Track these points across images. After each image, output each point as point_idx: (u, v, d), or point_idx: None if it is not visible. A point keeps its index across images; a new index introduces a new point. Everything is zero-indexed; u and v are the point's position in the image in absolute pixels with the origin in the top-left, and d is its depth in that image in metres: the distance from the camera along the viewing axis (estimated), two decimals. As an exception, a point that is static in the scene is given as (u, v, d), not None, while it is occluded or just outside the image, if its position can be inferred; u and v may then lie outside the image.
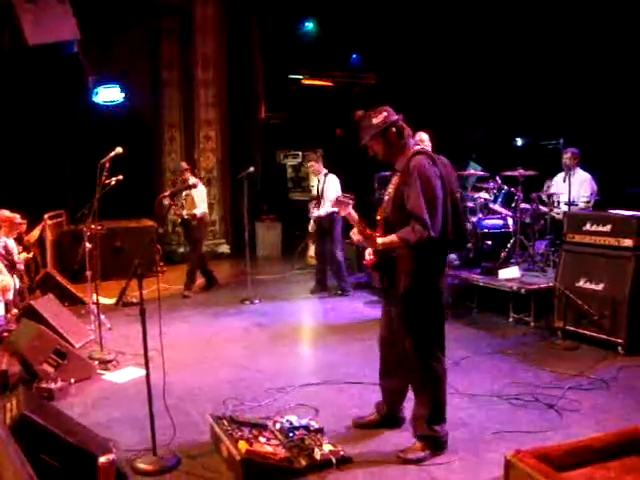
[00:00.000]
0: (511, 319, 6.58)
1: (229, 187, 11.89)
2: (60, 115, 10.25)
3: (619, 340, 5.43)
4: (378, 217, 3.72)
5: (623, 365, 5.09)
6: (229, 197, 11.98)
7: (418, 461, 3.53)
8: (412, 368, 3.65)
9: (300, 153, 12.91)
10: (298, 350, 5.99)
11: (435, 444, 3.62)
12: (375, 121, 3.61)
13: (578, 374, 4.89)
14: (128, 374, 5.28)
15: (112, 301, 7.88)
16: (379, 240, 3.55)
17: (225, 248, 11.96)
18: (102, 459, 3.30)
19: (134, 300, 7.61)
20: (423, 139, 6.44)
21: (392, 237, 3.50)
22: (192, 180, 8.49)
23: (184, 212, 8.37)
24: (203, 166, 11.83)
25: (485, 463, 3.42)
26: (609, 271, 5.63)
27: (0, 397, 4.16)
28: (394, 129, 3.61)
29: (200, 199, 8.47)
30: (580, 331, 5.76)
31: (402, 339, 3.65)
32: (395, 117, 3.64)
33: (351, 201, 3.70)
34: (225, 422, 3.73)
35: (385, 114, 3.62)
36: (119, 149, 5.95)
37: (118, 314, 7.22)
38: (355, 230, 3.65)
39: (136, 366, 5.32)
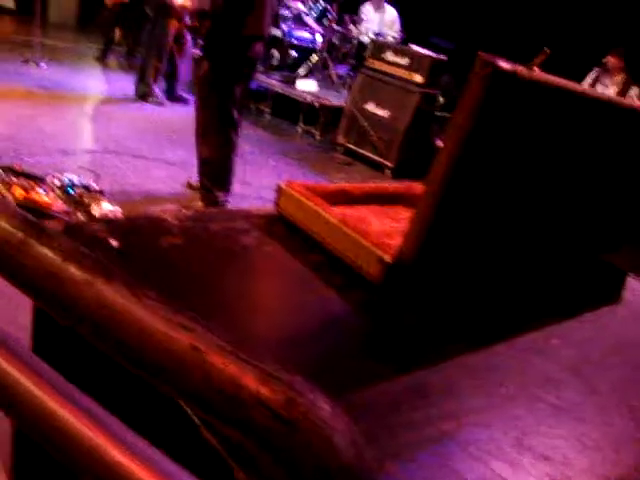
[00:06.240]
0: (299, 129, 6.90)
1: None
2: None
3: (389, 164, 6.02)
4: None
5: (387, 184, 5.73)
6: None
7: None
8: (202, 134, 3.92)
9: None
10: (82, 118, 5.76)
11: (213, 205, 4.03)
12: None
13: (348, 182, 5.41)
14: None
15: None
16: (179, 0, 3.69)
17: (9, 2, 10.57)
18: None
19: None
20: None
21: (188, 1, 3.75)
22: None
23: None
24: None
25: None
26: (396, 101, 6.08)
27: None
28: None
29: None
30: (358, 150, 6.27)
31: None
32: None
33: None
34: (1, 170, 3.60)
35: None
36: None
37: None
38: None
39: None
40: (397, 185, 1.86)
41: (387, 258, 1.27)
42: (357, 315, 1.31)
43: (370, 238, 1.37)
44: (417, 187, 1.89)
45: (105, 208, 3.59)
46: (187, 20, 3.81)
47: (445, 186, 1.13)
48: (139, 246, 1.23)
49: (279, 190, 1.49)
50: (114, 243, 1.20)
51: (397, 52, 6.24)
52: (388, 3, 8.01)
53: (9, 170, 3.62)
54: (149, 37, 6.45)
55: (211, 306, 1.13)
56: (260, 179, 4.99)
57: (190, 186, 4.33)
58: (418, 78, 6.01)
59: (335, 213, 1.46)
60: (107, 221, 1.23)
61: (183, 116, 6.05)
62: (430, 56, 6.09)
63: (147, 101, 6.61)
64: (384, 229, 1.54)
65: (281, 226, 1.46)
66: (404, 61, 6.14)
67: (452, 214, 1.19)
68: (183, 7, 3.57)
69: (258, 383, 0.39)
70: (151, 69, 6.57)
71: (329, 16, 7.64)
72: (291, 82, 7.05)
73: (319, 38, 7.85)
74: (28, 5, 8.10)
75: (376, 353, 1.18)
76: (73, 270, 0.45)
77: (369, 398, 1.01)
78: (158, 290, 0.47)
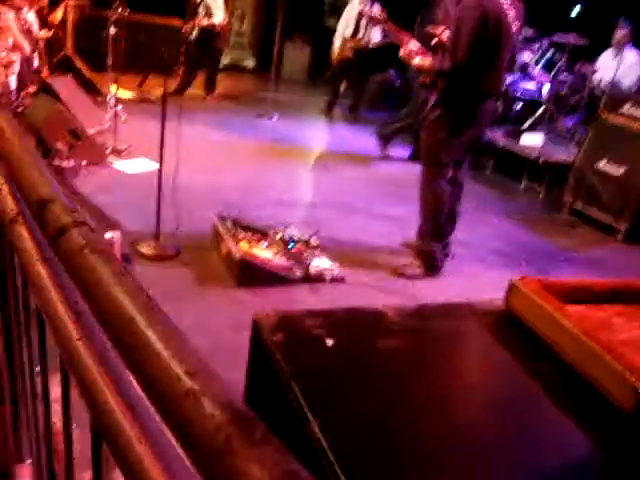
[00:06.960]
0: (522, 186, 6.53)
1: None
2: None
3: (622, 227, 5.43)
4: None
5: (619, 250, 5.17)
6: (262, 8, 11.45)
7: (412, 277, 3.86)
8: (420, 185, 3.91)
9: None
10: (305, 170, 6.03)
11: (429, 260, 3.93)
12: None
13: (573, 249, 4.98)
14: (139, 165, 5.34)
15: (130, 95, 7.79)
16: (416, 60, 3.69)
17: (250, 62, 11.63)
18: (108, 235, 3.43)
19: (152, 97, 7.56)
20: None
21: (426, 61, 3.64)
22: None
23: (204, 22, 8.10)
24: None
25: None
26: (634, 158, 5.48)
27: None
28: None
29: (216, 7, 8.14)
30: (587, 211, 5.75)
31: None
32: None
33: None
34: (229, 223, 3.84)
35: None
36: None
37: (134, 109, 7.15)
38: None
39: (147, 159, 5.38)
40: (648, 280, 1.59)
41: (643, 388, 1.06)
42: (597, 451, 1.09)
43: (616, 353, 1.16)
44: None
45: (322, 265, 3.65)
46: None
47: None
48: (354, 347, 1.16)
49: (510, 286, 1.34)
50: (329, 342, 1.14)
51: (637, 104, 5.68)
52: (634, 46, 7.34)
53: (236, 223, 3.85)
54: (409, 99, 6.73)
55: (424, 432, 1.01)
56: (480, 239, 4.78)
57: (407, 244, 4.28)
58: (661, 132, 5.41)
59: (572, 316, 1.27)
60: (323, 315, 1.17)
61: (409, 171, 6.07)
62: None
63: (382, 154, 6.81)
64: (633, 338, 1.31)
65: (510, 327, 1.30)
66: (645, 113, 5.57)
67: None
68: (420, 67, 3.67)
69: None
70: (397, 126, 6.81)
71: (558, 65, 7.25)
72: (515, 136, 6.76)
73: (546, 89, 7.47)
74: (266, 64, 8.80)
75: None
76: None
77: None
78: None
